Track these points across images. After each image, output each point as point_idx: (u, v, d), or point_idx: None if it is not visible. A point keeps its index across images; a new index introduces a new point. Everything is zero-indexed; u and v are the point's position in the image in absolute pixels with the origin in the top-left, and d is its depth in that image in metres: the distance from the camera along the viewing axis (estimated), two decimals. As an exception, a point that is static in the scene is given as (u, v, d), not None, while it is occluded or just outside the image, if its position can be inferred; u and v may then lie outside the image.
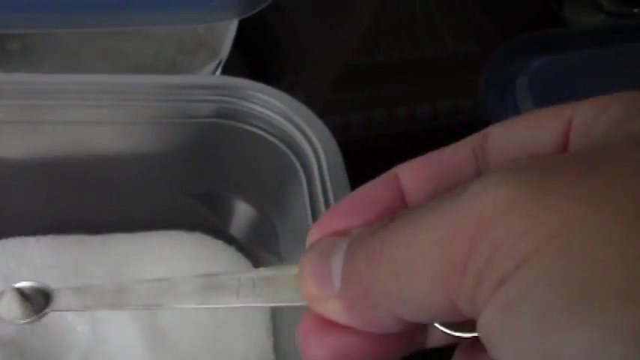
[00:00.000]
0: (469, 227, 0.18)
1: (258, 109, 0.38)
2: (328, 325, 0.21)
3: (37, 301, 0.25)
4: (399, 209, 0.22)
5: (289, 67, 0.56)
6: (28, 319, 0.25)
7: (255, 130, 0.38)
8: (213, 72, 0.50)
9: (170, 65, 0.49)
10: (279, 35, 0.57)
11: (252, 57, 0.57)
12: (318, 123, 0.37)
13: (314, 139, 0.37)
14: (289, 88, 0.55)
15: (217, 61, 0.49)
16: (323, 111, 0.53)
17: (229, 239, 0.43)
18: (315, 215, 0.36)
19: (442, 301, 0.19)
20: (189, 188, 0.42)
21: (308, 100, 0.54)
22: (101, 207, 0.42)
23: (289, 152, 0.37)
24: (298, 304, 0.22)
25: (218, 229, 0.43)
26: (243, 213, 0.42)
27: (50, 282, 0.40)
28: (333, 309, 0.21)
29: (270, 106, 0.38)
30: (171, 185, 0.42)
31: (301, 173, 0.37)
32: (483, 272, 0.18)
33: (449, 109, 0.56)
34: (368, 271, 0.20)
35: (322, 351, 0.21)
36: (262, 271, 0.23)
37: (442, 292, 0.18)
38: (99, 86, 0.39)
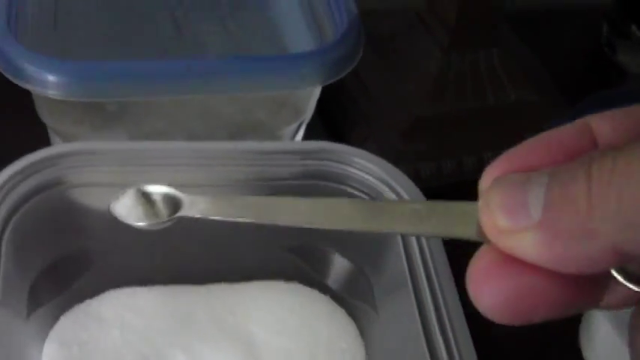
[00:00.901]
0: None
1: (355, 171, 0.42)
2: (510, 264, 0.20)
3: (164, 206, 0.24)
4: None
5: (361, 119, 0.60)
6: (152, 222, 0.24)
7: (351, 190, 0.42)
8: (296, 130, 0.53)
9: (256, 123, 0.53)
10: (351, 88, 0.61)
11: (326, 109, 0.60)
12: (411, 185, 0.41)
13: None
14: (362, 140, 0.58)
15: (300, 121, 0.53)
16: (395, 162, 0.56)
17: (324, 288, 0.46)
18: (412, 270, 0.39)
19: None
20: (287, 242, 0.46)
21: (381, 152, 0.57)
22: (206, 259, 0.46)
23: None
24: (470, 238, 0.22)
25: (313, 279, 0.46)
26: (338, 265, 0.45)
27: (160, 330, 0.44)
28: (526, 242, 0.20)
29: (366, 169, 0.42)
30: (272, 239, 0.45)
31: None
32: None
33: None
34: (592, 192, 0.19)
35: (498, 293, 0.20)
36: (432, 203, 0.23)
37: None
38: (209, 152, 0.43)
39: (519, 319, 0.20)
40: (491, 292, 0.20)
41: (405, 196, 0.40)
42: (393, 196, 0.41)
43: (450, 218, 0.22)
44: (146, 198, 0.24)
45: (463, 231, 0.22)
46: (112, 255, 0.46)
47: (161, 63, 0.47)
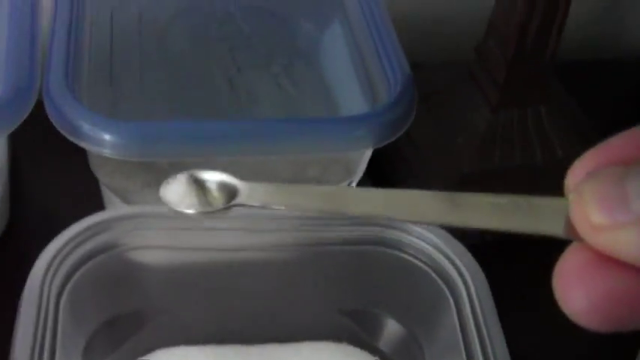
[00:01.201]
0: None
1: (413, 239, 0.42)
2: (603, 264, 0.19)
3: (220, 195, 0.23)
4: None
5: (409, 174, 0.60)
6: (206, 210, 0.22)
7: (407, 257, 0.42)
8: (345, 191, 0.53)
9: (307, 181, 0.53)
10: (399, 144, 0.61)
11: (373, 164, 0.60)
12: (469, 256, 0.41)
13: (464, 271, 0.40)
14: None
15: (350, 180, 0.53)
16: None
17: (373, 350, 0.46)
18: (465, 338, 0.39)
19: None
20: (339, 305, 0.46)
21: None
22: (258, 319, 0.46)
23: (440, 281, 0.41)
24: (556, 235, 0.20)
25: (363, 340, 0.46)
26: (390, 328, 0.45)
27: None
28: (624, 240, 0.18)
29: (424, 238, 0.42)
30: (323, 301, 0.46)
31: (451, 301, 0.41)
32: None
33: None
34: None
35: (590, 296, 0.19)
36: (515, 197, 0.22)
37: None
38: (261, 215, 0.43)
39: (611, 325, 0.19)
40: (581, 294, 0.19)
41: (461, 266, 0.41)
42: (450, 267, 0.41)
43: (534, 214, 0.21)
44: (199, 185, 0.23)
45: (549, 227, 0.20)
46: (164, 315, 0.46)
47: (216, 124, 0.48)
